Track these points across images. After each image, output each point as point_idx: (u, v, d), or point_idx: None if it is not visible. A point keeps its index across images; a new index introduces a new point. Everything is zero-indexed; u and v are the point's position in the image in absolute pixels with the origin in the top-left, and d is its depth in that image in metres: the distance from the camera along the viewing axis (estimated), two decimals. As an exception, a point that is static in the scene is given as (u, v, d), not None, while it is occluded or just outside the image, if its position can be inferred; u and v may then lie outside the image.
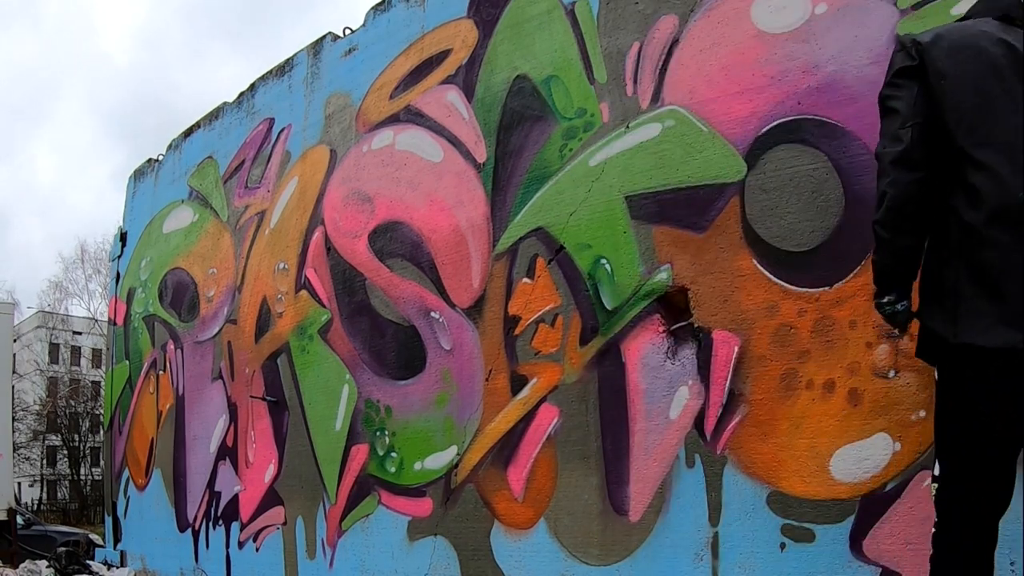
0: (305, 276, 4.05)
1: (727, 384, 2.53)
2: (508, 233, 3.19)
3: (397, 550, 3.41)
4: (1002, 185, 1.71)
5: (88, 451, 31.46)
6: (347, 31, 4.17)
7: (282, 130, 4.45)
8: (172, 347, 5.02)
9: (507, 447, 3.08)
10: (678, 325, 2.67)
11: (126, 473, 5.38)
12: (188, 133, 5.32)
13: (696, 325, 2.62)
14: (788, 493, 2.37)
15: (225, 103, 5.02)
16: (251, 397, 4.29)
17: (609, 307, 2.84)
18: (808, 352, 2.39)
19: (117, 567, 5.23)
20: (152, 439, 5.10)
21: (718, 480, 2.52)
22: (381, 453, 3.54)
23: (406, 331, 3.52)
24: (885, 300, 1.87)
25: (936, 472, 1.79)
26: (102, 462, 7.61)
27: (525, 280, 3.10)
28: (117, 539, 5.40)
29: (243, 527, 4.28)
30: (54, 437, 32.25)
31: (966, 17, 1.94)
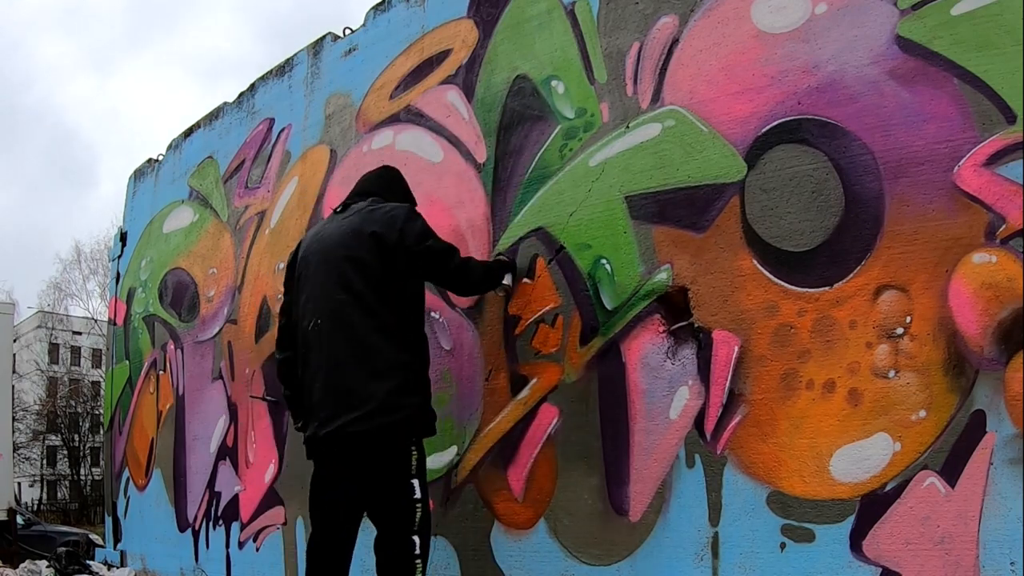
0: (305, 276, 4.04)
1: (727, 384, 2.53)
2: (508, 233, 3.19)
3: (397, 550, 3.40)
4: None
5: (88, 451, 31.50)
6: (347, 31, 4.17)
7: (282, 130, 4.45)
8: (172, 347, 5.02)
9: (507, 447, 3.07)
10: (678, 325, 2.67)
11: (126, 473, 5.38)
12: (188, 133, 5.33)
13: (696, 325, 2.62)
14: (788, 493, 2.37)
15: (225, 103, 5.03)
16: (251, 397, 4.29)
17: (609, 307, 2.84)
18: (808, 352, 2.39)
19: (117, 567, 5.22)
20: (152, 439, 5.10)
21: (718, 480, 2.52)
22: (381, 453, 3.53)
23: (406, 331, 3.51)
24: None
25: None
26: (102, 462, 7.62)
27: (525, 280, 3.10)
28: (117, 539, 5.40)
29: (243, 527, 4.27)
30: (54, 437, 32.29)
31: None
